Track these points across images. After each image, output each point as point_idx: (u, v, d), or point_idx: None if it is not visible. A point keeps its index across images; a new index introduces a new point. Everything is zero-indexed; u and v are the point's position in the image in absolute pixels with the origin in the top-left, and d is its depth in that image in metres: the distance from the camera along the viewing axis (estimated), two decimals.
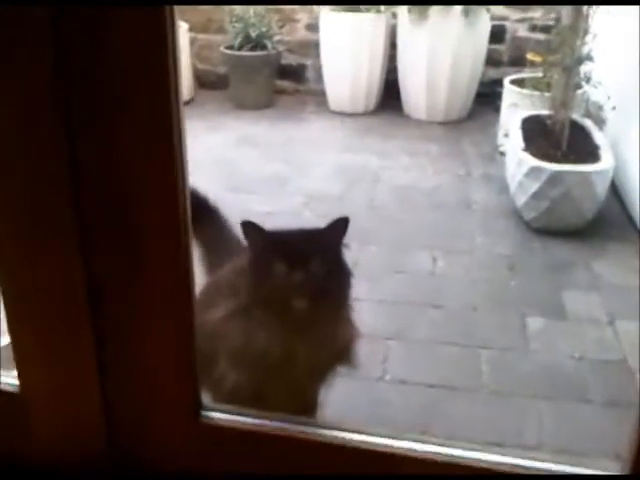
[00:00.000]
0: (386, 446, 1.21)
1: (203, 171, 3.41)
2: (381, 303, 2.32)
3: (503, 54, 4.35)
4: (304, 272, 1.28)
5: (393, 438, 1.22)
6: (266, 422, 1.21)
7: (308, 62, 4.58)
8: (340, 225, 1.32)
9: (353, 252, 2.60)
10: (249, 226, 1.33)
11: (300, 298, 1.30)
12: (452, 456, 1.19)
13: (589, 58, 3.02)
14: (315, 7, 4.30)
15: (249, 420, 1.20)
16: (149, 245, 0.98)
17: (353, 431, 1.22)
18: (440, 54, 3.94)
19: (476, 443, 1.24)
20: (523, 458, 1.18)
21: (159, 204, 0.92)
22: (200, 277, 1.69)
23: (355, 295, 2.39)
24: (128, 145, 0.87)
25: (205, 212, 1.70)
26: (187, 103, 4.38)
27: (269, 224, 2.99)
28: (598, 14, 2.93)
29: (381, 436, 1.22)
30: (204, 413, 1.21)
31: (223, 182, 3.27)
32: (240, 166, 3.49)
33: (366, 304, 2.26)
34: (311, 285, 1.29)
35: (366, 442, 1.20)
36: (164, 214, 0.94)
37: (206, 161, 3.55)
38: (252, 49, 4.23)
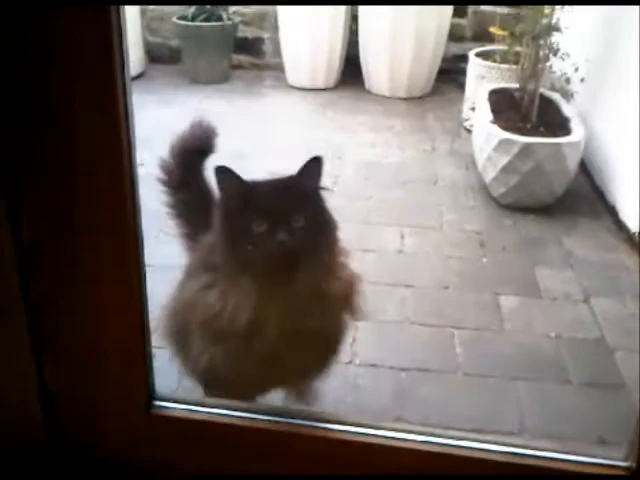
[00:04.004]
0: (359, 434, 1.10)
1: (155, 147, 3.22)
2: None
3: (466, 29, 4.25)
4: (286, 230, 1.14)
5: (365, 426, 1.11)
6: (222, 412, 1.10)
7: (265, 35, 4.40)
8: (314, 167, 1.19)
9: None
10: (224, 172, 1.18)
11: (282, 260, 1.16)
12: (433, 444, 1.08)
13: (557, 28, 2.93)
14: None
15: (204, 410, 1.10)
16: (85, 207, 0.85)
17: (322, 419, 1.10)
18: (403, 28, 3.81)
19: (454, 429, 1.14)
20: (508, 445, 1.08)
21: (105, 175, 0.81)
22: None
23: None
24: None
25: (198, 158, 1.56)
26: (137, 77, 4.17)
27: None
28: None
29: (352, 424, 1.10)
30: (156, 403, 1.10)
31: None
32: None
33: None
34: (294, 243, 1.14)
35: (338, 431, 1.09)
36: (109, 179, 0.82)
37: (158, 137, 3.34)
38: (206, 20, 4.02)
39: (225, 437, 1.04)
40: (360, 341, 1.89)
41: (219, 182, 1.18)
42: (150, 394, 1.06)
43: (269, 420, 1.05)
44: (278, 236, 1.13)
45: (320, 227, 1.21)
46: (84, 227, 0.85)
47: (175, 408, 1.07)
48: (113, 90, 0.79)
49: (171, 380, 1.70)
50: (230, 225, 1.18)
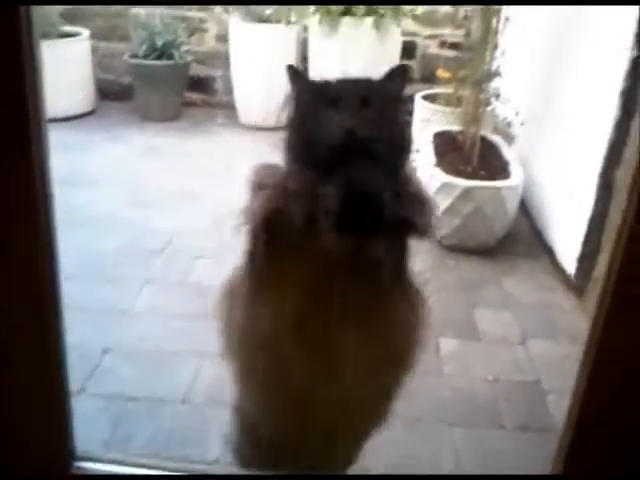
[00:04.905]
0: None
1: (104, 185, 3.22)
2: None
3: (414, 71, 4.35)
4: (357, 117, 1.00)
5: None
6: (148, 472, 1.09)
7: (217, 73, 4.43)
8: (399, 74, 1.09)
9: None
10: (295, 71, 1.10)
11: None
12: None
13: (498, 74, 3.03)
14: (225, 17, 4.17)
15: (128, 472, 1.08)
16: None
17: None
18: (351, 69, 3.88)
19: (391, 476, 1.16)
20: None
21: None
22: None
23: None
24: None
25: None
26: (88, 114, 4.16)
27: (176, 243, 2.83)
28: (506, 30, 2.95)
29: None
30: (76, 464, 1.08)
31: (126, 197, 3.08)
32: (144, 181, 3.30)
33: None
34: (364, 133, 0.98)
35: None
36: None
37: (108, 175, 3.35)
38: (158, 58, 4.04)
39: None
40: None
41: (290, 79, 1.10)
42: (70, 455, 1.05)
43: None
44: (345, 121, 0.99)
45: (394, 138, 1.06)
46: None
47: (96, 469, 1.06)
48: (25, 131, 0.78)
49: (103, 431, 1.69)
50: (300, 116, 1.08)
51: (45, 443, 1.03)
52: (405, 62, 4.18)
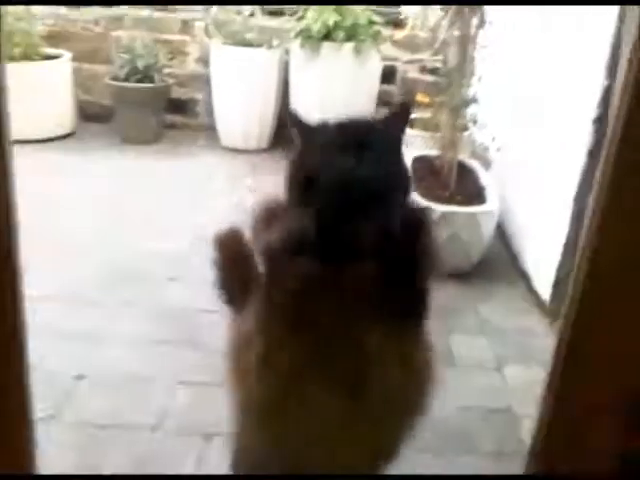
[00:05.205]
0: None
1: (83, 208, 3.20)
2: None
3: (394, 95, 4.39)
4: (357, 159, 1.01)
5: None
6: None
7: (199, 96, 4.45)
8: (402, 114, 1.09)
9: None
10: (296, 116, 1.12)
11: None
12: None
13: (475, 100, 3.06)
14: (205, 40, 4.20)
15: None
16: None
17: None
18: (332, 92, 3.92)
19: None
20: None
21: None
22: None
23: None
24: None
25: None
26: (68, 136, 4.15)
27: (153, 267, 2.81)
28: (482, 57, 2.99)
29: None
30: None
31: (104, 220, 3.07)
32: (123, 204, 3.29)
33: None
34: (364, 173, 0.99)
35: None
36: None
37: (86, 198, 3.34)
38: (139, 81, 4.05)
39: None
40: None
41: (291, 124, 1.12)
42: None
43: None
44: (347, 162, 1.01)
45: (394, 178, 1.06)
46: None
47: None
48: None
49: None
50: (301, 159, 1.10)
51: (7, 470, 1.01)
52: (386, 87, 4.23)
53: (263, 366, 1.07)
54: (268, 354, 1.06)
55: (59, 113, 4.08)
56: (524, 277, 2.74)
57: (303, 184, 1.06)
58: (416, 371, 1.13)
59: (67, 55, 4.18)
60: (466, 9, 2.90)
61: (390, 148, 1.07)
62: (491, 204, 2.73)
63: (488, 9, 2.92)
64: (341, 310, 1.04)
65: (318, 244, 1.01)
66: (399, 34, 3.89)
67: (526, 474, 0.99)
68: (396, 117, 1.10)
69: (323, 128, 1.09)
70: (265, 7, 4.06)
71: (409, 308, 1.12)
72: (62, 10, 4.27)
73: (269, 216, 1.12)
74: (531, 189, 2.84)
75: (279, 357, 1.06)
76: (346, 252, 1.01)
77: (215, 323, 2.28)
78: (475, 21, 2.91)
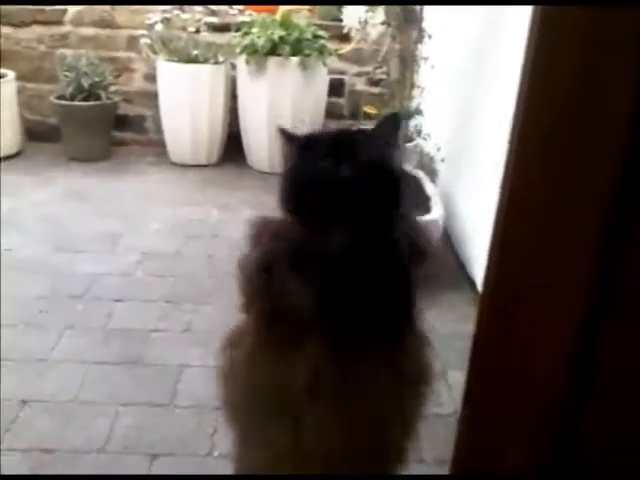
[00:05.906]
0: None
1: (28, 229, 3.16)
2: (214, 370, 2.18)
3: (343, 107, 4.44)
4: (351, 166, 1.03)
5: None
6: None
7: (147, 113, 4.43)
8: (391, 123, 1.10)
9: (186, 314, 2.49)
10: (285, 132, 1.12)
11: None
12: None
13: (418, 112, 3.12)
14: (152, 57, 4.19)
15: None
16: None
17: None
18: (280, 106, 3.95)
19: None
20: None
21: None
22: None
23: (187, 361, 2.25)
24: None
25: None
26: (14, 156, 4.09)
27: (99, 287, 2.80)
28: (423, 68, 3.05)
29: None
30: None
31: (49, 240, 3.04)
32: (69, 223, 3.26)
33: (197, 371, 2.13)
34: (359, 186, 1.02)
35: None
36: None
37: (32, 218, 3.29)
38: (85, 99, 4.02)
39: None
40: (220, 432, 1.88)
41: (283, 140, 1.13)
42: None
43: None
44: (342, 170, 1.03)
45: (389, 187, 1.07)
46: None
47: None
48: None
49: None
50: (294, 171, 1.11)
51: None
52: (334, 99, 4.27)
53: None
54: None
55: (4, 133, 4.02)
56: (471, 284, 2.79)
57: (297, 196, 1.09)
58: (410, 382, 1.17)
59: (11, 74, 4.12)
60: (406, 24, 2.96)
61: (382, 153, 1.09)
62: (435, 214, 2.78)
63: (427, 23, 2.99)
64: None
65: (313, 256, 1.04)
66: (345, 48, 3.94)
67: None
68: (387, 126, 1.12)
69: (315, 139, 1.11)
70: (210, 23, 4.07)
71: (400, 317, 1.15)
72: (5, 30, 4.22)
73: (264, 233, 1.14)
74: (476, 197, 2.90)
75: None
76: (341, 263, 1.03)
77: (161, 341, 2.29)
78: (415, 35, 2.97)
